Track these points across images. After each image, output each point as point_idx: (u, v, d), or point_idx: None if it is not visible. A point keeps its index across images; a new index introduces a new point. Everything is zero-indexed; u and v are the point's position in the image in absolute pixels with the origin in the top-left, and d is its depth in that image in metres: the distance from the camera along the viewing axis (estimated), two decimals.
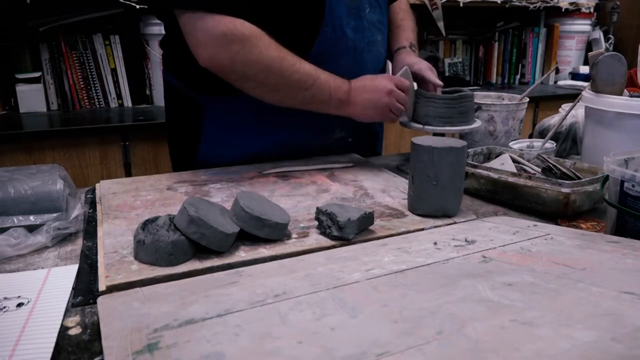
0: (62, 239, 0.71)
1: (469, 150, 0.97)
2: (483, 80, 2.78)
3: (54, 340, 0.49)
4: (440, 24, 2.42)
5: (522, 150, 1.02)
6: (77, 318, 0.53)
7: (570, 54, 2.83)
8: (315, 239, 0.67)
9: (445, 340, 0.39)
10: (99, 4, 2.01)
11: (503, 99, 1.21)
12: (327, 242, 0.66)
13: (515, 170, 0.88)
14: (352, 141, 1.12)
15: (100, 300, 0.51)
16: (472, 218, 0.75)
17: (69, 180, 0.77)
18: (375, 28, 1.05)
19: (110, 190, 0.86)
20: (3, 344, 0.48)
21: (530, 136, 1.31)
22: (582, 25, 2.80)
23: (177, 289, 0.52)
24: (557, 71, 2.78)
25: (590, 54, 1.00)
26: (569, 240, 0.61)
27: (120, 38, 2.05)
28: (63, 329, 0.51)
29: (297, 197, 0.83)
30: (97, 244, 0.68)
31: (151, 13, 1.88)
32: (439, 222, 0.73)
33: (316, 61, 0.94)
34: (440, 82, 1.05)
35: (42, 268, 0.63)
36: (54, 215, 0.70)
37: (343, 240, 0.66)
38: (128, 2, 1.93)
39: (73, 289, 0.58)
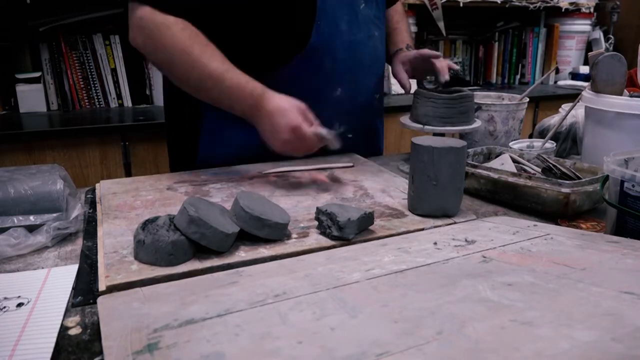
0: (62, 239, 0.71)
1: (469, 150, 0.97)
2: (483, 80, 2.78)
3: (54, 340, 0.49)
4: (440, 24, 2.42)
5: (522, 150, 1.02)
6: (77, 318, 0.53)
7: (570, 54, 2.82)
8: (315, 239, 0.67)
9: (445, 340, 0.39)
10: (99, 4, 2.01)
11: (503, 99, 1.21)
12: (327, 242, 0.66)
13: (515, 170, 0.88)
14: (352, 137, 1.12)
15: (100, 300, 0.51)
16: (472, 218, 0.75)
17: (69, 180, 0.77)
18: (371, 23, 1.05)
19: (110, 190, 0.86)
20: (3, 344, 0.48)
21: (530, 136, 1.31)
22: (582, 25, 2.79)
23: (177, 289, 0.52)
24: (557, 71, 2.77)
25: (590, 54, 1.00)
26: (569, 240, 0.61)
27: (120, 38, 2.05)
28: (63, 329, 0.51)
29: (297, 197, 0.83)
30: (97, 244, 0.68)
31: None
32: (439, 222, 0.73)
33: (313, 56, 0.94)
34: (438, 53, 1.09)
35: (42, 268, 0.63)
36: (54, 215, 0.70)
37: (343, 240, 0.66)
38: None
39: (73, 289, 0.58)
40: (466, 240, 0.63)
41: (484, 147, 1.02)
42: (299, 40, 0.95)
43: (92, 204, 0.84)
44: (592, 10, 2.79)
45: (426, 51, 1.10)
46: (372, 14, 1.05)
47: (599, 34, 2.83)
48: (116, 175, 1.77)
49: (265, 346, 0.40)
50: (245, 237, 0.65)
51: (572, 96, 1.69)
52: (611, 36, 2.83)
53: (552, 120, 1.22)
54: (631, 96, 0.95)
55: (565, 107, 1.19)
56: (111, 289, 0.55)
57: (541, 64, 2.84)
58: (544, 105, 2.43)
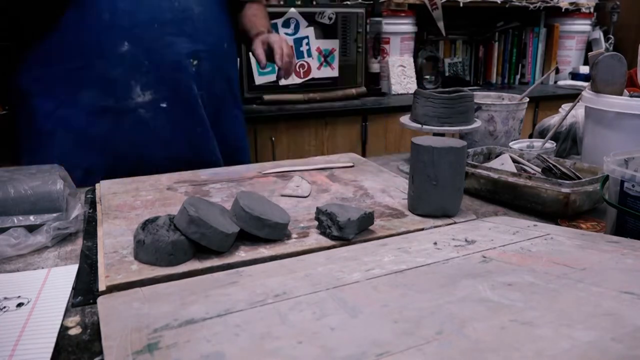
0: (62, 239, 0.71)
1: (469, 150, 0.97)
2: (483, 80, 2.78)
3: (54, 340, 0.49)
4: (440, 24, 2.42)
5: (522, 150, 1.02)
6: (77, 318, 0.53)
7: (570, 54, 2.82)
8: (315, 239, 0.67)
9: (445, 340, 0.39)
10: None
11: (503, 99, 1.21)
12: (327, 242, 0.66)
13: (515, 170, 0.88)
14: (167, 107, 1.03)
15: (100, 300, 0.51)
16: (472, 218, 0.75)
17: (69, 180, 0.77)
18: None
19: (110, 190, 0.86)
20: (3, 344, 0.48)
21: (530, 136, 1.31)
22: (582, 25, 2.79)
23: (177, 289, 0.52)
24: (557, 71, 2.77)
25: (590, 54, 1.00)
26: (569, 240, 0.61)
27: None
28: (63, 329, 0.51)
29: (297, 197, 0.83)
30: (97, 244, 0.68)
31: None
32: (439, 222, 0.73)
33: (85, 5, 0.92)
34: (263, 60, 1.13)
35: (42, 268, 0.63)
36: (54, 215, 0.70)
37: (343, 240, 0.66)
38: None
39: (73, 289, 0.58)
40: (466, 240, 0.63)
41: (484, 147, 1.02)
42: None
43: (92, 204, 0.84)
44: (592, 10, 2.79)
45: (258, 52, 1.13)
46: None
47: (599, 34, 2.83)
48: None
49: (265, 346, 0.40)
50: (245, 237, 0.65)
51: (572, 96, 1.69)
52: (611, 36, 2.83)
53: (552, 120, 1.22)
54: (631, 96, 0.95)
55: (565, 107, 1.19)
56: (111, 289, 0.55)
57: (541, 64, 2.84)
58: (544, 105, 2.43)
